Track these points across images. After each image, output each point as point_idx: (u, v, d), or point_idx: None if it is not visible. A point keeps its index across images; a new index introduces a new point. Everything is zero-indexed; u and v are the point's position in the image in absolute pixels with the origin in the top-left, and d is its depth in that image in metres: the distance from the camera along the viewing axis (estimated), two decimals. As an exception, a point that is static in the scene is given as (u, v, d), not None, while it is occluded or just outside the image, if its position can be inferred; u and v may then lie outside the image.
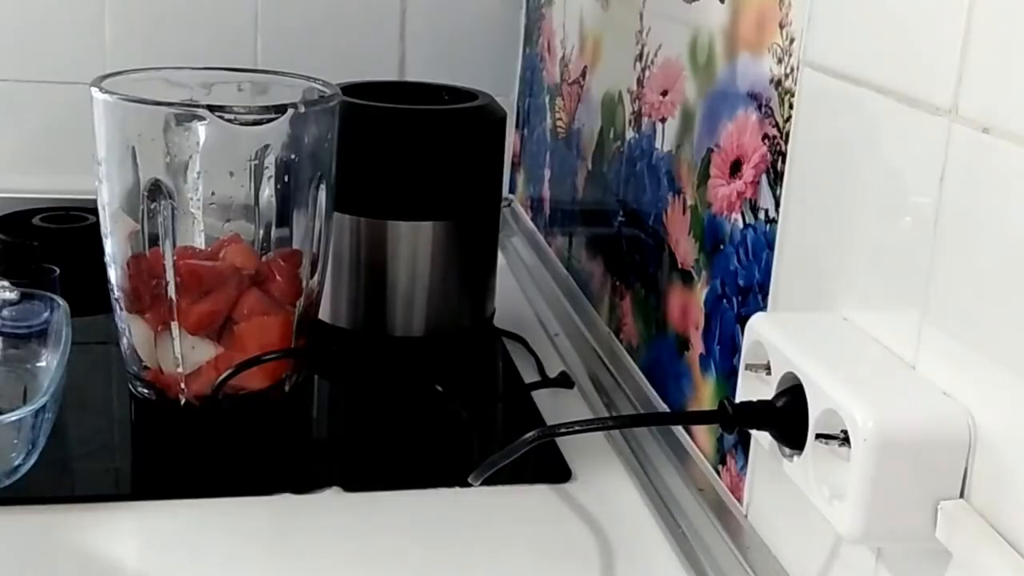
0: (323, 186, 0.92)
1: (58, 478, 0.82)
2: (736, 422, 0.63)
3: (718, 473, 0.80)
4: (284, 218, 0.92)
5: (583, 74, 1.16)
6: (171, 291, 0.88)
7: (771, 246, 0.72)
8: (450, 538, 0.78)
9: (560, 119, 1.24)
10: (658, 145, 0.93)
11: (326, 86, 0.95)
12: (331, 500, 0.82)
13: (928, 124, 0.56)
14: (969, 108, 0.53)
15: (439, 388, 0.93)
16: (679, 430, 0.86)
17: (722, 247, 0.80)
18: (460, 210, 1.03)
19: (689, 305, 0.85)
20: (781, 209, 0.71)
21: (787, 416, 0.60)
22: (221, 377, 0.88)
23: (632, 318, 0.99)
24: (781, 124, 0.71)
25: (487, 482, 0.72)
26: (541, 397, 0.98)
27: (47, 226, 1.21)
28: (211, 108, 0.85)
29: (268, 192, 0.90)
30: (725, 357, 0.79)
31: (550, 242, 1.28)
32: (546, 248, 1.29)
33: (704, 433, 0.83)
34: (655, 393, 0.92)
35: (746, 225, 0.76)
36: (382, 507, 0.81)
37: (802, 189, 0.69)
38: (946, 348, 0.55)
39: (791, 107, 0.70)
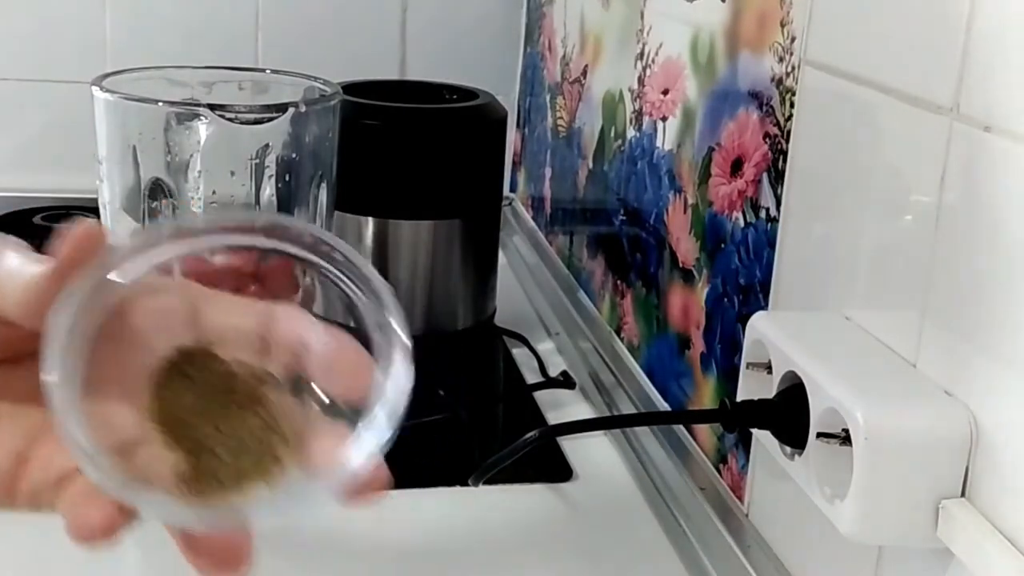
0: (324, 185, 0.92)
1: (59, 477, 0.82)
2: (737, 421, 0.63)
3: (719, 472, 0.80)
4: (285, 217, 0.92)
5: (584, 73, 1.16)
6: (172, 290, 0.88)
7: (772, 245, 0.72)
8: (450, 538, 0.78)
9: (561, 118, 1.24)
10: (659, 144, 0.93)
11: (327, 85, 0.94)
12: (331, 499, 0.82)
13: (929, 122, 0.56)
14: (970, 106, 0.53)
15: (440, 392, 0.93)
16: (680, 429, 0.86)
17: (723, 246, 0.80)
18: (461, 209, 1.03)
19: (690, 304, 0.85)
20: (782, 208, 0.71)
21: (788, 415, 0.60)
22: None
23: (633, 317, 0.99)
24: (782, 123, 0.71)
25: (487, 481, 0.72)
26: (542, 396, 0.98)
27: (48, 225, 1.21)
28: (212, 107, 0.85)
29: (269, 191, 0.90)
30: (726, 356, 0.79)
31: (551, 241, 1.28)
32: (547, 247, 1.29)
33: (705, 432, 0.83)
34: (656, 392, 0.92)
35: (747, 224, 0.76)
36: (382, 506, 0.81)
37: (803, 188, 0.69)
38: (947, 347, 0.55)
39: (792, 106, 0.70)
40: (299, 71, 0.96)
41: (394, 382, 0.40)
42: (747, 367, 0.65)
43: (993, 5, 0.52)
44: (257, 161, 0.89)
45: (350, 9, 1.42)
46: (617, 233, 1.03)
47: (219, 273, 0.93)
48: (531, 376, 1.02)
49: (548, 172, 1.30)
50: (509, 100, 1.44)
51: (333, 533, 0.78)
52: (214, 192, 0.89)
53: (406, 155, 1.00)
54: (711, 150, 0.82)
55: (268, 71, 1.02)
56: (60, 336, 0.37)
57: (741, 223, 0.77)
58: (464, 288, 1.05)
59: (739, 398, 0.64)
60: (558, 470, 0.86)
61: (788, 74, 0.71)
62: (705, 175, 0.83)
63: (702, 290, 0.83)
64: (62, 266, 0.40)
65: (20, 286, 0.40)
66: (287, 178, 0.90)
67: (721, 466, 0.80)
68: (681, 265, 0.87)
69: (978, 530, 0.51)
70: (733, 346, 0.78)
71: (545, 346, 1.08)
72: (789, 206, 0.71)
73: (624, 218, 1.02)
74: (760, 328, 0.64)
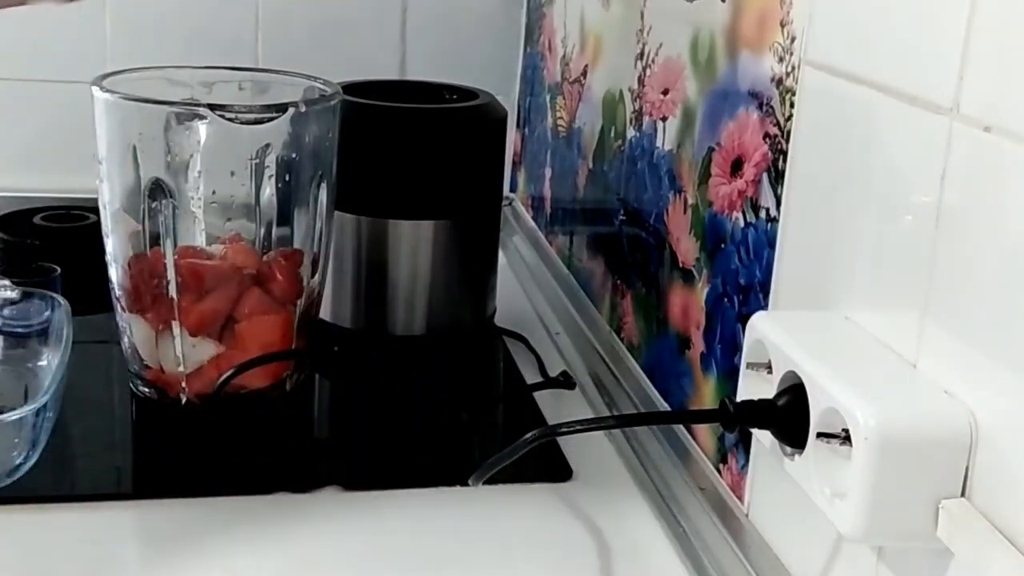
0: (324, 185, 0.92)
1: (59, 477, 0.82)
2: (737, 421, 0.63)
3: (719, 472, 0.80)
4: (285, 217, 0.91)
5: (584, 73, 1.16)
6: (172, 290, 0.88)
7: (772, 245, 0.72)
8: (450, 538, 0.78)
9: (561, 118, 1.24)
10: (659, 144, 0.93)
11: (327, 85, 0.95)
12: (331, 499, 0.82)
13: (929, 122, 0.56)
14: (970, 106, 0.53)
15: (440, 392, 0.93)
16: (680, 429, 0.86)
17: (723, 246, 0.80)
18: (461, 209, 1.03)
19: (690, 304, 0.85)
20: (782, 208, 0.71)
21: (788, 415, 0.60)
22: (222, 377, 0.88)
23: (633, 317, 0.99)
24: (782, 123, 0.71)
25: (487, 481, 0.72)
26: (542, 396, 0.98)
27: (48, 225, 1.21)
28: (212, 107, 0.85)
29: (269, 191, 0.90)
30: (726, 356, 0.79)
31: (551, 241, 1.28)
32: (547, 247, 1.29)
33: (705, 432, 0.83)
34: (656, 392, 0.92)
35: (747, 224, 0.76)
36: (382, 506, 0.81)
37: (803, 188, 0.69)
38: (947, 347, 0.55)
39: (792, 106, 0.70)
40: (299, 71, 0.96)
41: None
42: (747, 367, 0.65)
43: (993, 5, 0.52)
44: (257, 161, 0.89)
45: (350, 9, 1.42)
46: (617, 233, 1.03)
47: (219, 272, 0.94)
48: (531, 376, 1.02)
49: (548, 172, 1.30)
50: (509, 100, 1.44)
51: (332, 532, 0.78)
52: (214, 192, 0.89)
53: (406, 155, 1.00)
54: (711, 150, 0.82)
55: (268, 71, 1.02)
56: None
57: (741, 223, 0.77)
58: (464, 288, 1.05)
59: (739, 398, 0.64)
60: (558, 470, 0.86)
61: (788, 74, 0.71)
62: (705, 175, 0.83)
63: (702, 290, 0.83)
64: None
65: None
66: (287, 178, 0.90)
67: (721, 466, 0.80)
68: (681, 265, 0.87)
69: (978, 530, 0.51)
70: (733, 346, 0.78)
71: (545, 346, 1.08)
72: (789, 206, 0.71)
73: (624, 218, 1.02)
74: (760, 328, 0.64)
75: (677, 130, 0.89)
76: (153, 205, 0.87)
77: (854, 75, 0.63)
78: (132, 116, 0.87)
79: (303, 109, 0.89)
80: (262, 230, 0.91)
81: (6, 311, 0.94)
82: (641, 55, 0.98)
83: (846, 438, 0.54)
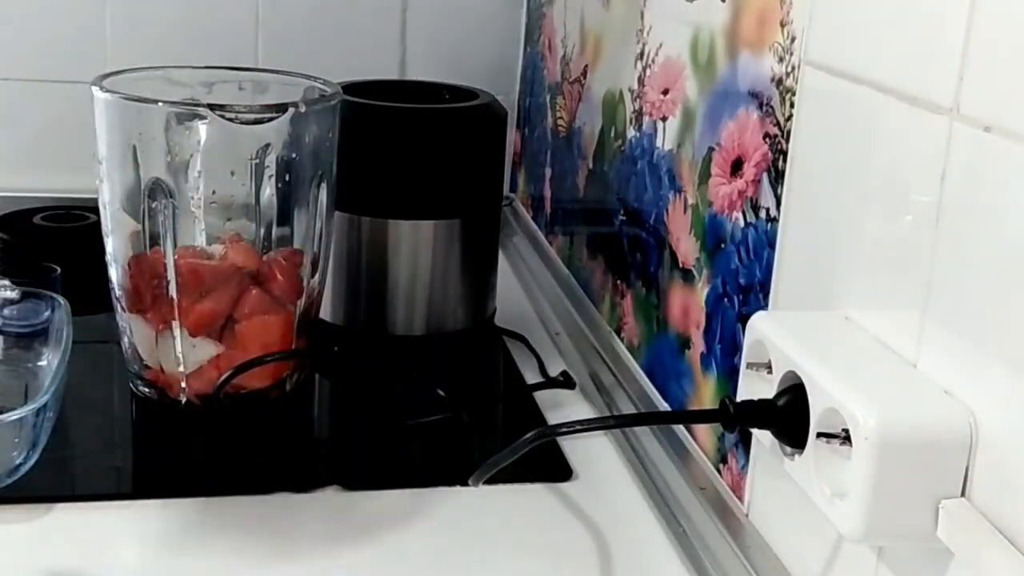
0: (324, 185, 0.92)
1: (59, 477, 0.82)
2: (737, 421, 0.63)
3: (719, 472, 0.80)
4: (285, 217, 0.92)
5: (584, 73, 1.16)
6: (172, 290, 0.88)
7: (772, 245, 0.72)
8: (450, 538, 0.78)
9: (561, 118, 1.24)
10: (659, 144, 0.93)
11: (327, 85, 0.95)
12: (332, 499, 0.82)
13: (929, 123, 0.56)
14: (970, 106, 0.53)
15: (440, 392, 0.93)
16: (680, 429, 0.86)
17: (723, 246, 0.80)
18: (461, 209, 1.03)
19: (690, 304, 0.85)
20: (782, 208, 0.71)
21: (788, 415, 0.60)
22: (222, 377, 0.88)
23: (633, 317, 0.99)
24: (782, 123, 0.71)
25: (487, 481, 0.72)
26: (542, 396, 0.98)
27: (48, 225, 1.21)
28: (212, 107, 0.85)
29: (269, 191, 0.90)
30: (726, 356, 0.79)
31: (551, 241, 1.28)
32: (547, 247, 1.29)
33: (705, 432, 0.83)
34: (656, 392, 0.92)
35: (747, 224, 0.76)
36: (382, 506, 0.81)
37: (803, 188, 0.69)
38: (947, 347, 0.55)
39: (792, 106, 0.70)
40: (299, 71, 0.97)
41: None
42: (747, 367, 0.65)
43: (993, 5, 0.52)
44: (257, 161, 0.89)
45: (350, 9, 1.42)
46: (617, 233, 1.03)
47: (219, 272, 0.94)
48: (531, 376, 1.02)
49: (548, 172, 1.30)
50: (509, 100, 1.44)
51: (333, 532, 0.78)
52: (214, 192, 0.89)
53: (406, 155, 1.00)
54: (711, 150, 0.82)
55: (268, 71, 1.02)
56: None
57: (741, 223, 0.77)
58: (464, 288, 1.05)
59: (739, 398, 0.64)
60: (558, 470, 0.86)
61: (788, 74, 0.71)
62: (705, 175, 0.83)
63: (702, 290, 0.83)
64: None
65: None
66: (287, 178, 0.91)
67: (721, 466, 0.80)
68: (681, 265, 0.87)
69: (978, 530, 0.51)
70: (733, 346, 0.78)
71: (545, 346, 1.08)
72: (789, 206, 0.71)
73: (624, 218, 1.02)
74: (760, 328, 0.64)
75: (677, 130, 0.89)
76: (153, 205, 0.87)
77: (854, 75, 0.63)
78: (132, 116, 0.87)
79: (303, 109, 0.89)
80: (262, 230, 0.92)
81: (6, 311, 0.94)
82: (641, 55, 0.98)
83: (846, 438, 0.54)
